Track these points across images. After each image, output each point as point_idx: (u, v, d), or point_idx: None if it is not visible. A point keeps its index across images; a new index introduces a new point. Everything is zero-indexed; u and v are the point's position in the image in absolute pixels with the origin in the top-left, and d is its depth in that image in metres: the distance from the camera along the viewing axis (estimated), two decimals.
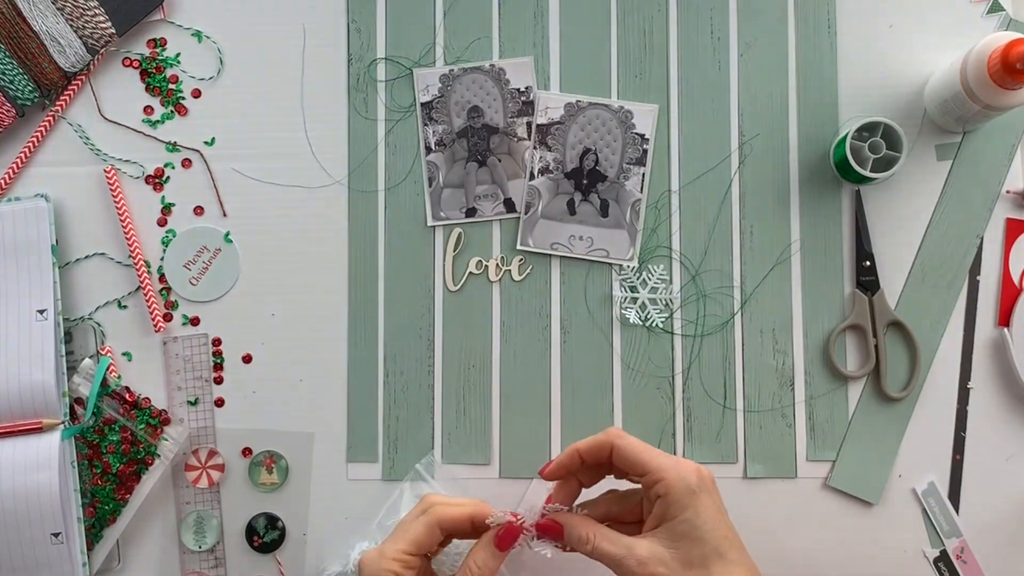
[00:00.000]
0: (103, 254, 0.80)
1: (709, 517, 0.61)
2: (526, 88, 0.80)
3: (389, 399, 0.79)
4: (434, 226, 0.80)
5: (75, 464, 0.76)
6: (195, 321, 0.80)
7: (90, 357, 0.78)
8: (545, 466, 0.67)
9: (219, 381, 0.79)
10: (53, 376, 0.75)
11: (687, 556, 0.61)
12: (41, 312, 0.76)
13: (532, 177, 0.80)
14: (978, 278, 0.79)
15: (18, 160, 0.79)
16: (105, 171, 0.80)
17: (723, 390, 0.79)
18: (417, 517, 0.66)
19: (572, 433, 0.79)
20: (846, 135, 0.76)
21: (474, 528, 0.66)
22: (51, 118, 0.80)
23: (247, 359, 0.79)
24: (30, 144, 0.80)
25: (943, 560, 0.78)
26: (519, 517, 0.65)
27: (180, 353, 0.79)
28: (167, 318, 0.80)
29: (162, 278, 0.80)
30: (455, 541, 0.71)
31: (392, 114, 0.81)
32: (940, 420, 0.79)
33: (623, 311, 0.79)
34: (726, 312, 0.79)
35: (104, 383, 0.77)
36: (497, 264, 0.80)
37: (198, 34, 0.81)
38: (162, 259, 0.80)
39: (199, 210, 0.80)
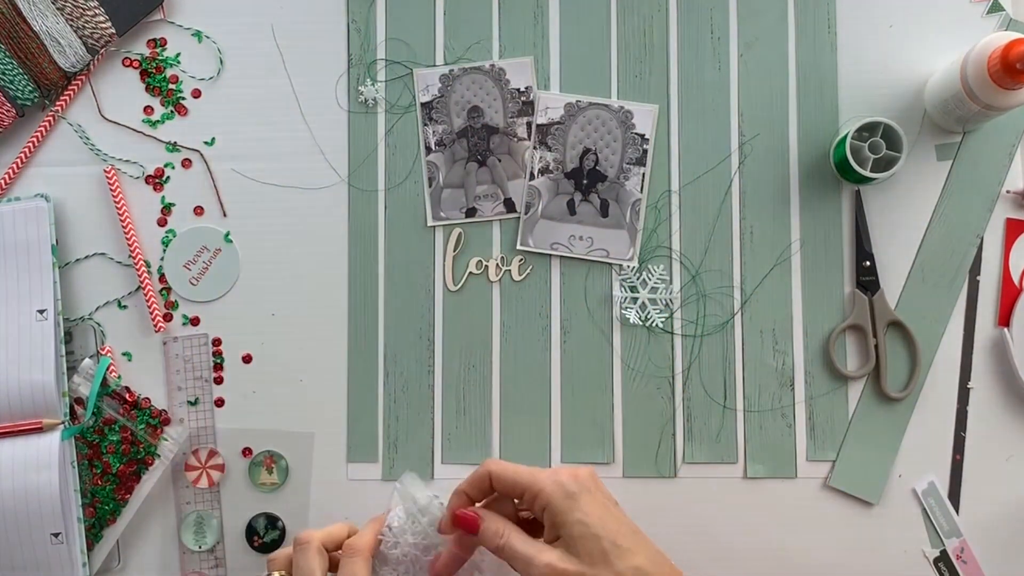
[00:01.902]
0: (103, 254, 0.80)
1: (596, 514, 0.62)
2: (526, 88, 0.80)
3: (389, 399, 0.79)
4: (434, 226, 0.80)
5: (75, 464, 0.76)
6: (195, 321, 0.80)
7: (90, 357, 0.78)
8: (446, 524, 0.66)
9: (219, 381, 0.79)
10: (53, 376, 0.75)
11: (589, 553, 0.62)
12: (41, 312, 0.76)
13: (532, 177, 0.80)
14: (978, 278, 0.79)
15: (18, 160, 0.79)
16: (105, 171, 0.80)
17: (723, 390, 0.79)
18: (350, 563, 0.65)
19: (572, 433, 0.79)
20: (846, 135, 0.76)
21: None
22: (51, 118, 0.80)
23: (247, 359, 0.79)
24: (30, 144, 0.80)
25: (943, 560, 0.78)
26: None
27: (180, 353, 0.79)
28: (167, 318, 0.80)
29: (162, 278, 0.80)
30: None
31: (392, 114, 0.81)
32: (940, 420, 0.79)
33: (623, 311, 0.79)
34: (726, 312, 0.79)
35: (104, 383, 0.77)
36: (497, 264, 0.80)
37: (198, 34, 0.81)
38: (162, 259, 0.80)
39: (199, 210, 0.80)
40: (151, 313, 0.79)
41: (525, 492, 0.63)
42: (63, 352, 0.77)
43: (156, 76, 0.80)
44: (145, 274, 0.79)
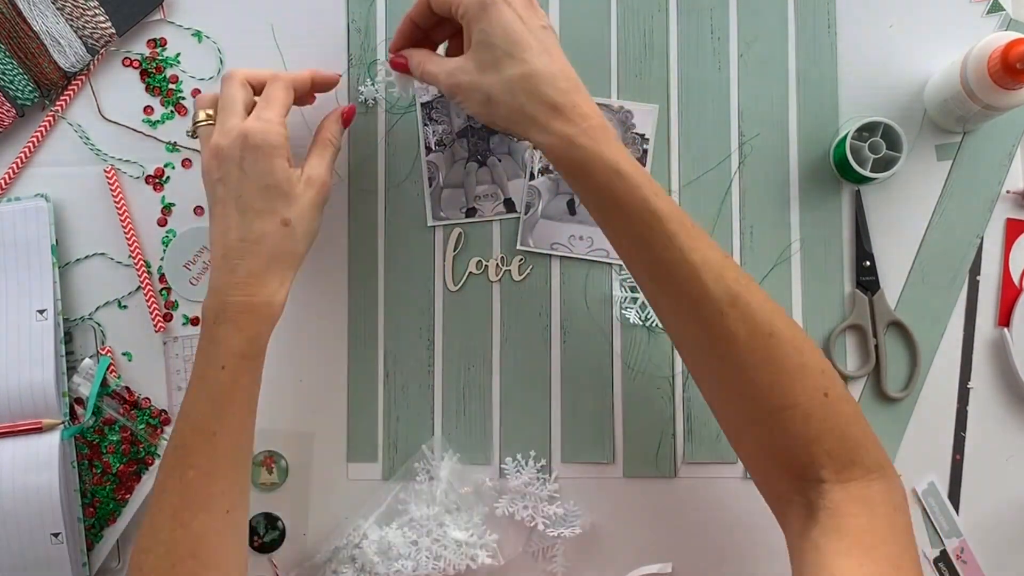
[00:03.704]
0: (103, 254, 0.80)
1: (501, 24, 0.65)
2: None
3: (389, 399, 0.79)
4: (434, 226, 0.80)
5: (75, 464, 0.76)
6: (195, 321, 0.80)
7: (90, 357, 0.78)
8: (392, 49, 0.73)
9: None
10: (53, 376, 0.75)
11: (481, 61, 0.65)
12: (41, 312, 0.76)
13: (532, 177, 0.80)
14: (978, 278, 0.79)
15: (18, 160, 0.79)
16: (105, 171, 0.80)
17: None
18: (273, 86, 0.70)
19: (572, 433, 0.79)
20: (846, 135, 0.76)
21: (312, 88, 0.74)
22: (51, 118, 0.80)
23: None
24: (30, 144, 0.80)
25: (943, 560, 0.78)
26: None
27: (180, 353, 0.79)
28: (167, 318, 0.80)
29: (162, 278, 0.80)
30: None
31: (392, 114, 0.81)
32: (940, 420, 0.79)
33: (623, 311, 0.79)
34: None
35: (104, 383, 0.77)
36: (497, 264, 0.80)
37: (198, 34, 0.81)
38: (162, 259, 0.80)
39: (199, 210, 0.80)
40: (151, 313, 0.79)
41: (452, 6, 0.67)
42: (63, 352, 0.77)
43: (156, 76, 0.80)
44: (145, 274, 0.79)
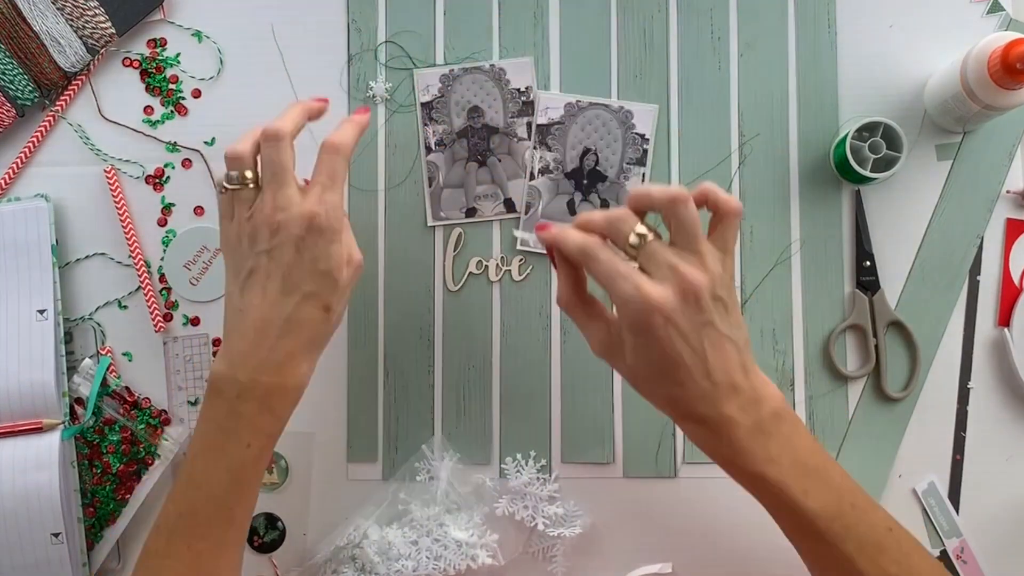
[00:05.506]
0: (103, 254, 0.80)
1: (660, 347, 0.59)
2: (526, 88, 0.80)
3: (389, 399, 0.79)
4: (434, 226, 0.80)
5: (75, 464, 0.76)
6: (195, 321, 0.80)
7: (90, 357, 0.78)
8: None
9: None
10: (53, 376, 0.75)
11: (634, 367, 0.61)
12: (41, 312, 0.76)
13: (532, 177, 0.80)
14: (978, 278, 0.79)
15: (18, 160, 0.79)
16: (105, 171, 0.80)
17: None
18: (332, 159, 0.65)
19: (573, 433, 0.79)
20: (846, 135, 0.76)
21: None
22: (51, 118, 0.80)
23: None
24: (30, 144, 0.80)
25: (943, 560, 0.78)
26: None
27: (180, 353, 0.79)
28: (167, 318, 0.80)
29: (162, 278, 0.80)
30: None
31: (392, 114, 0.81)
32: (940, 420, 0.79)
33: None
34: None
35: (104, 383, 0.77)
36: (497, 264, 0.80)
37: (198, 34, 0.81)
38: (162, 259, 0.80)
39: (199, 210, 0.80)
40: (151, 313, 0.79)
41: (610, 294, 0.60)
42: (63, 352, 0.77)
43: (156, 76, 0.80)
44: (145, 274, 0.79)
